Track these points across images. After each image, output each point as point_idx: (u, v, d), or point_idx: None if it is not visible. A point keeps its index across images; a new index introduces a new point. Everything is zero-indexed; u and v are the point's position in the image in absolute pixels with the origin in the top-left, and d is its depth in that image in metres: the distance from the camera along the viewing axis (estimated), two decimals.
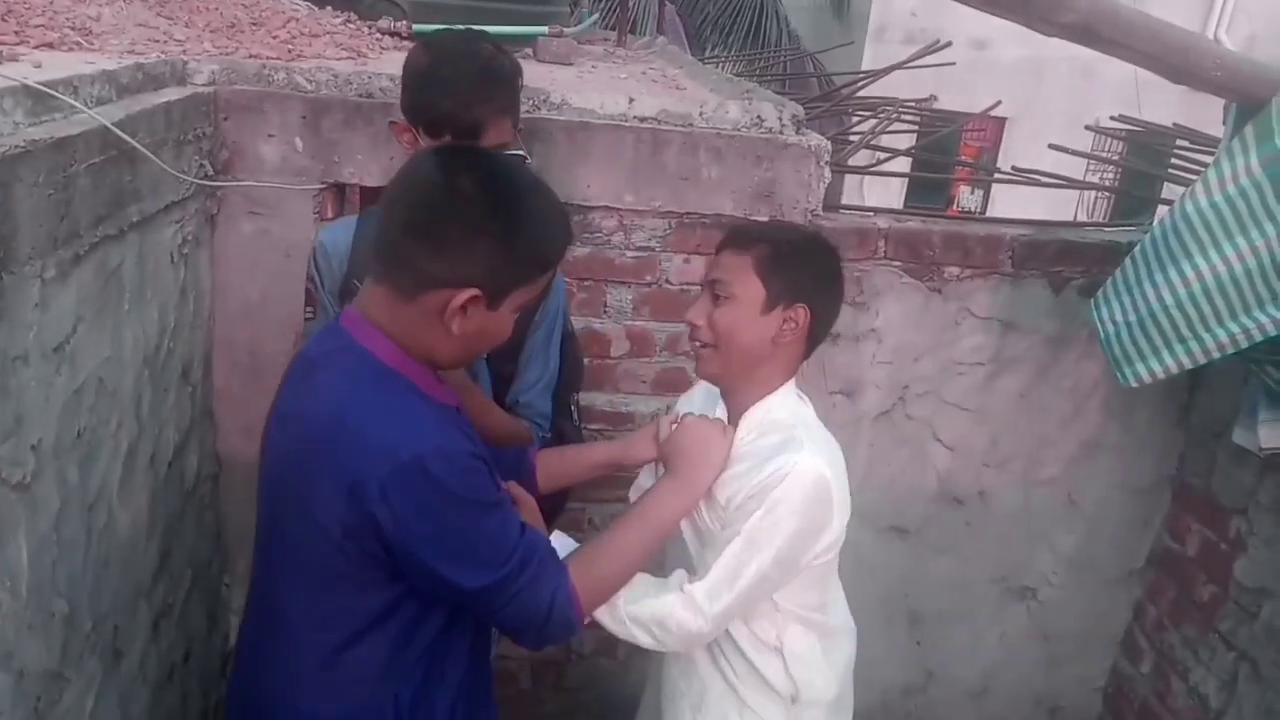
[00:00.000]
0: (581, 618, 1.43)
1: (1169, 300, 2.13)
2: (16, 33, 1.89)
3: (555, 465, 1.76)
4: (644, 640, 1.54)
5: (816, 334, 1.62)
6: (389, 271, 1.32)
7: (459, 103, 1.69)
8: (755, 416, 1.62)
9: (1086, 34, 1.96)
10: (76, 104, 1.51)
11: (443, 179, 1.29)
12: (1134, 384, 2.27)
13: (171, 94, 1.93)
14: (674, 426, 1.65)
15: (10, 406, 1.33)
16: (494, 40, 1.83)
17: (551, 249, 1.38)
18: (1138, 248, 2.25)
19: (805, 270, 1.59)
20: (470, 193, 1.27)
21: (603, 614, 1.51)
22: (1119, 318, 2.27)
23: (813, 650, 1.67)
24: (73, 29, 2.06)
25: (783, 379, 1.63)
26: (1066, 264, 2.57)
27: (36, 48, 1.82)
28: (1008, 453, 2.74)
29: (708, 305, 1.60)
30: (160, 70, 1.97)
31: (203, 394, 2.26)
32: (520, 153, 1.79)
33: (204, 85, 2.11)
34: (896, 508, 2.77)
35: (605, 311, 2.46)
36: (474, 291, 1.27)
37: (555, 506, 2.00)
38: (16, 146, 1.27)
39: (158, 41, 2.23)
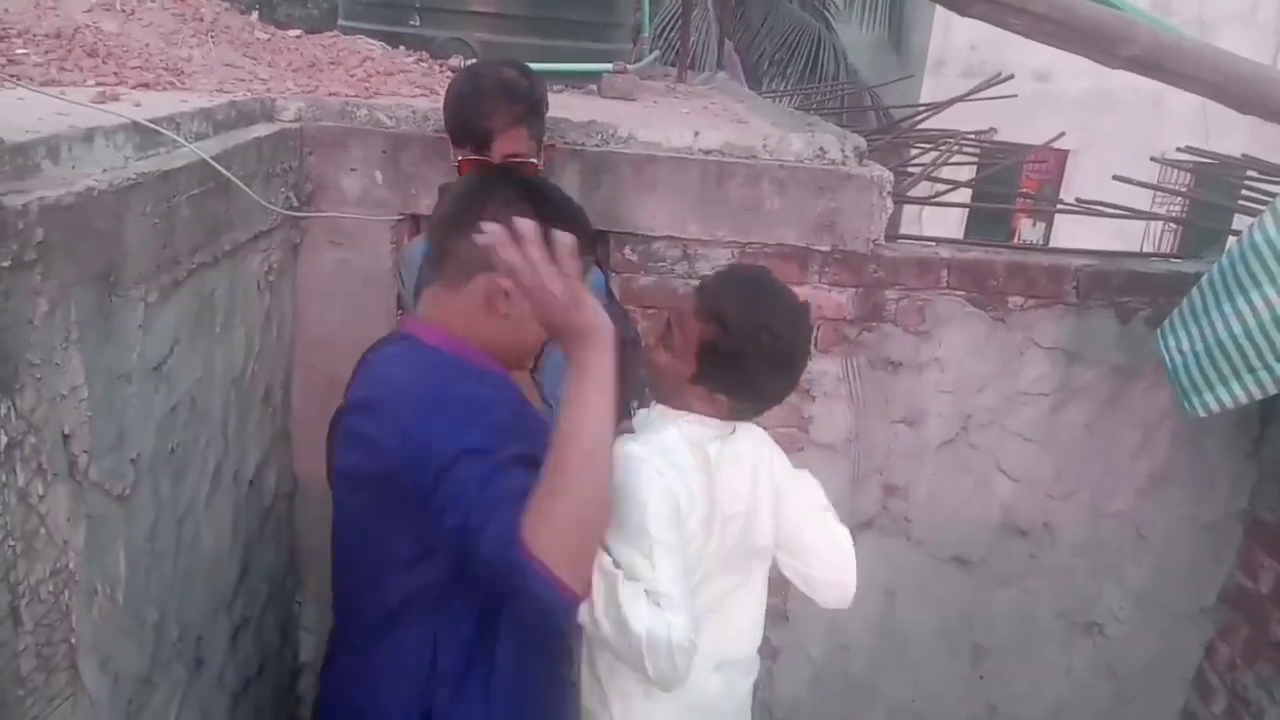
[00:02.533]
0: (536, 569, 1.19)
1: (1237, 329, 2.12)
2: (115, 74, 2.02)
3: None
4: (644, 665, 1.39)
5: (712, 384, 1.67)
6: (440, 269, 1.48)
7: (473, 114, 1.92)
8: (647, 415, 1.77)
9: (1149, 66, 1.98)
10: (179, 139, 1.61)
11: (478, 182, 1.50)
12: (1202, 414, 2.25)
13: (261, 130, 2.03)
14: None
15: (114, 422, 1.41)
16: (521, 66, 2.02)
17: (583, 232, 1.48)
18: (1205, 276, 2.24)
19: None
20: (503, 187, 1.46)
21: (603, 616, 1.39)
22: (1186, 347, 2.25)
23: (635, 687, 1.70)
24: (166, 69, 2.18)
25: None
26: (1133, 294, 2.55)
27: (134, 87, 1.94)
28: (1073, 484, 2.72)
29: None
30: (251, 108, 2.08)
31: (282, 416, 2.35)
32: (534, 161, 1.96)
33: (291, 121, 2.22)
34: (959, 538, 2.76)
35: None
36: None
37: None
38: (129, 179, 1.37)
39: (243, 80, 2.35)
